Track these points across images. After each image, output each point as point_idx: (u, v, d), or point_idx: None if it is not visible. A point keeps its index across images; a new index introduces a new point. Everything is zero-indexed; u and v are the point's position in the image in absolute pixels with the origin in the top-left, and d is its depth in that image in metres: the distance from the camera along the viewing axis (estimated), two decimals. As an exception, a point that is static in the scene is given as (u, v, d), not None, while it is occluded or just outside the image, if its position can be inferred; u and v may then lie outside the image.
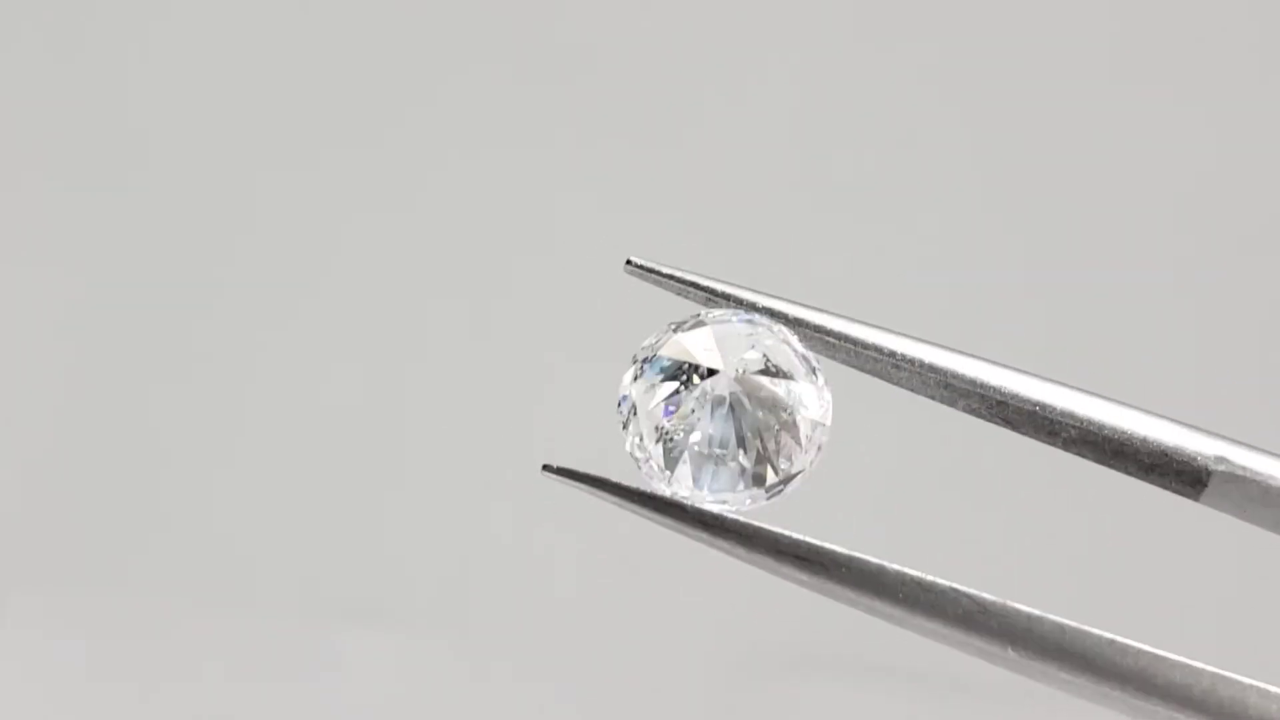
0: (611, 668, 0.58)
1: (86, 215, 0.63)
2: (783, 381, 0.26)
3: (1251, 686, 0.24)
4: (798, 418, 0.26)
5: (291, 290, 0.63)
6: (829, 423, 0.26)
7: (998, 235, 0.62)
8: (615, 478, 0.26)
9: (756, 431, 0.26)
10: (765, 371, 0.26)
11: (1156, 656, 0.25)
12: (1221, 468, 0.25)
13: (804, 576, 0.25)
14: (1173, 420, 0.26)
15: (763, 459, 0.26)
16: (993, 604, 0.25)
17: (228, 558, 0.61)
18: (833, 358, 0.27)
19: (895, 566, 0.25)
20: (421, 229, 0.63)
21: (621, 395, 0.27)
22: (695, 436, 0.26)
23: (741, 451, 0.26)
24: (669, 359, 0.26)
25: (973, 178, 0.62)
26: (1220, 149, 0.62)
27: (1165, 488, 0.26)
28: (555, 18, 0.64)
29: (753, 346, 0.26)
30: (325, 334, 0.62)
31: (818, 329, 0.27)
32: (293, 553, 0.60)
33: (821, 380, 0.26)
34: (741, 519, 0.26)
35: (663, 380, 0.26)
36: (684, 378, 0.26)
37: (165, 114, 0.64)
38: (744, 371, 0.26)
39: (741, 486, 0.26)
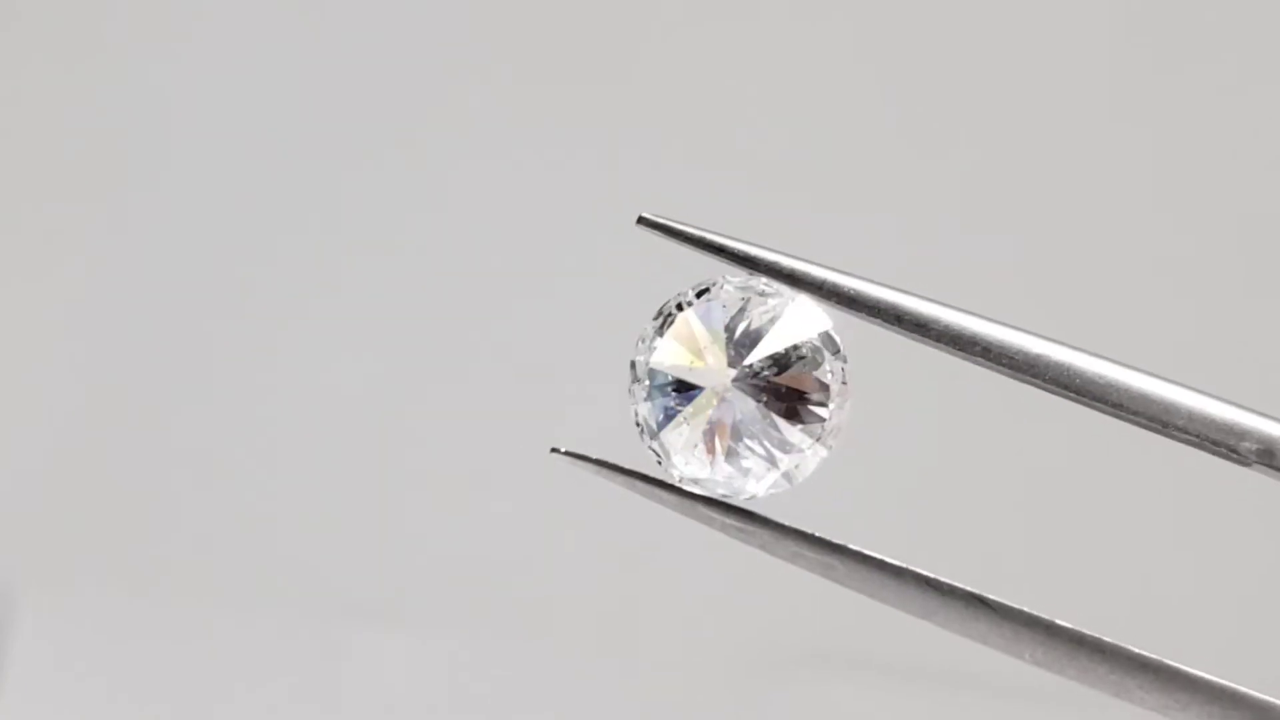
0: (623, 665, 0.58)
1: (103, 215, 0.63)
2: (795, 367, 0.25)
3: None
4: (812, 405, 0.25)
5: (305, 291, 0.62)
6: (847, 407, 0.25)
7: (1016, 212, 0.59)
8: (625, 463, 0.25)
9: (769, 420, 0.25)
10: (778, 361, 0.25)
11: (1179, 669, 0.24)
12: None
13: (811, 556, 0.25)
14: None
15: (775, 447, 0.25)
16: (1010, 610, 0.24)
17: (242, 556, 0.61)
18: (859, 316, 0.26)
19: (914, 568, 0.24)
20: (427, 227, 0.62)
21: (630, 381, 0.25)
22: (704, 425, 0.25)
23: (755, 439, 0.25)
24: (670, 364, 0.25)
25: (994, 144, 0.60)
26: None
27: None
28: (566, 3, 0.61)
29: (767, 324, 0.25)
30: (335, 335, 0.62)
31: (834, 289, 0.25)
32: (307, 550, 0.61)
33: (841, 359, 0.25)
34: (749, 506, 0.25)
35: (669, 382, 0.25)
36: (688, 381, 0.25)
37: (181, 113, 0.63)
38: (751, 369, 0.24)
39: (755, 473, 0.25)
